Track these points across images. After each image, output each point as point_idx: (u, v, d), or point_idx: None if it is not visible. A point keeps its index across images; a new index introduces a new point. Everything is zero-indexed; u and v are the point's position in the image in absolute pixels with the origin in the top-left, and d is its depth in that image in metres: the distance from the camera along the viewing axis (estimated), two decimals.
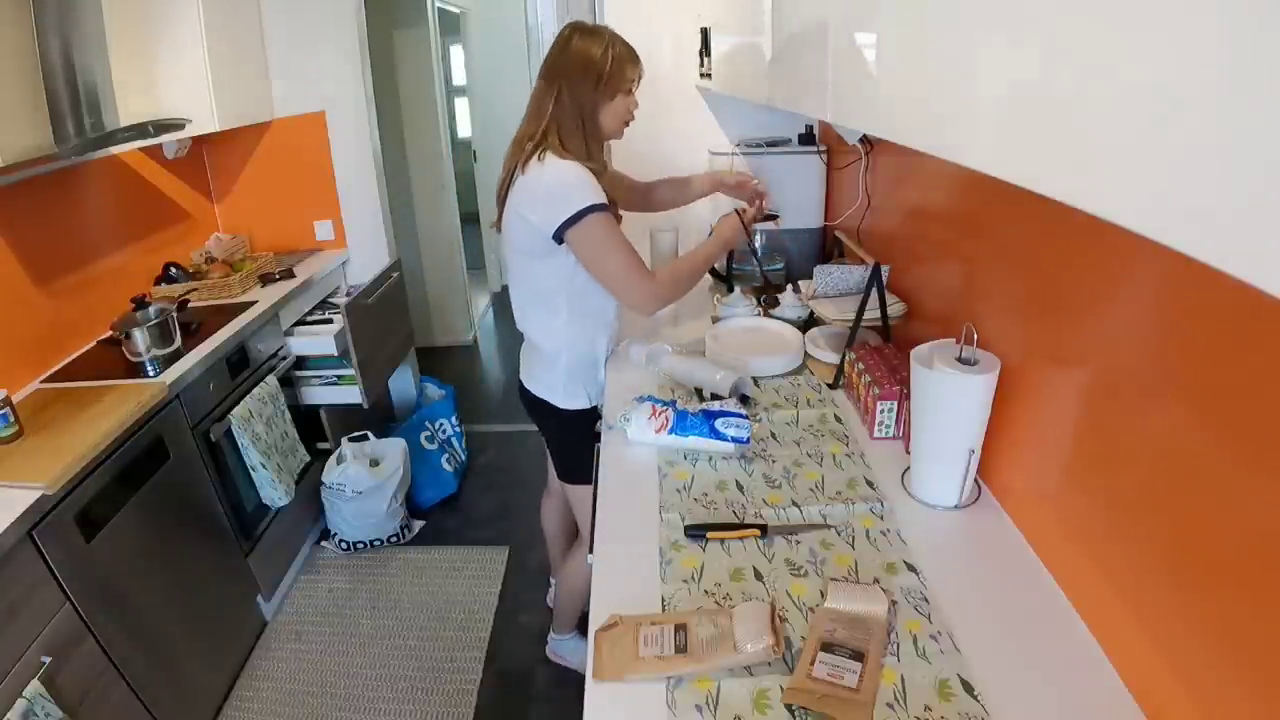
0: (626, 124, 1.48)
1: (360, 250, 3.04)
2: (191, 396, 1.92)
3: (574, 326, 1.53)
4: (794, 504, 1.16)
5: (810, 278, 1.67)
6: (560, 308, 1.51)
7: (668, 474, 1.27)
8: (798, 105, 1.11)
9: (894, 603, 0.94)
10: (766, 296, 1.85)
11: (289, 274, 2.62)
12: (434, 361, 3.99)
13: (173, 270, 2.44)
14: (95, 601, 1.49)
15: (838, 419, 1.41)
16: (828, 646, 0.87)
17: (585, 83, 1.38)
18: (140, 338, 1.91)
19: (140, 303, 2.05)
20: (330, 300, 2.81)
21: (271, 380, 2.26)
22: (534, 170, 1.36)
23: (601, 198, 1.36)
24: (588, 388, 1.59)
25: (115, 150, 2.23)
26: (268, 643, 2.16)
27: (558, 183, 1.35)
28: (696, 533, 1.10)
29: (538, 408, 1.62)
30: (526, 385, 1.63)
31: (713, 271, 2.07)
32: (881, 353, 1.43)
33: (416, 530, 2.62)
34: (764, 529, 1.09)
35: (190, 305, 2.23)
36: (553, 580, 2.13)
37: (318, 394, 2.55)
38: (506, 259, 1.54)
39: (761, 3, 1.30)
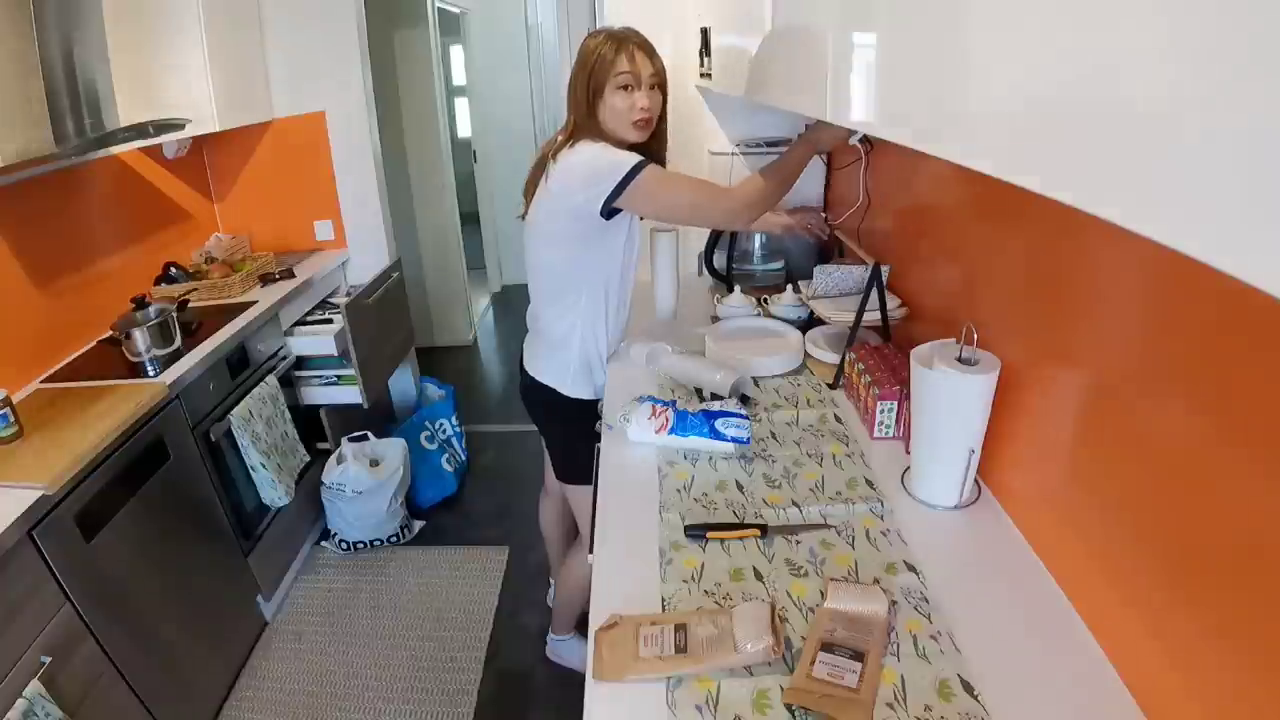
0: (635, 125, 1.42)
1: (360, 250, 3.04)
2: (191, 396, 1.92)
3: (590, 316, 1.55)
4: (794, 504, 1.16)
5: (810, 278, 1.67)
6: (581, 294, 1.53)
7: (668, 474, 1.27)
8: (797, 105, 1.11)
9: (894, 603, 0.94)
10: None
11: (289, 274, 2.62)
12: (434, 361, 3.99)
13: (173, 270, 2.44)
14: (95, 601, 1.49)
15: (838, 419, 1.41)
16: (828, 646, 0.87)
17: (579, 78, 1.42)
18: (140, 338, 1.91)
19: (140, 303, 2.05)
20: (330, 300, 2.81)
21: (271, 380, 2.26)
22: (564, 158, 1.40)
23: (638, 156, 1.38)
24: (595, 378, 1.60)
25: (115, 150, 2.23)
26: (268, 643, 2.16)
27: (593, 161, 1.38)
28: (696, 533, 1.10)
29: (541, 398, 1.62)
30: (532, 374, 1.63)
31: (712, 271, 2.07)
32: (881, 353, 1.43)
33: (416, 530, 2.62)
34: (764, 529, 1.09)
35: (190, 305, 2.23)
36: (552, 580, 2.13)
37: (318, 394, 2.55)
38: (529, 247, 1.55)
39: (761, 2, 1.30)
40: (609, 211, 1.40)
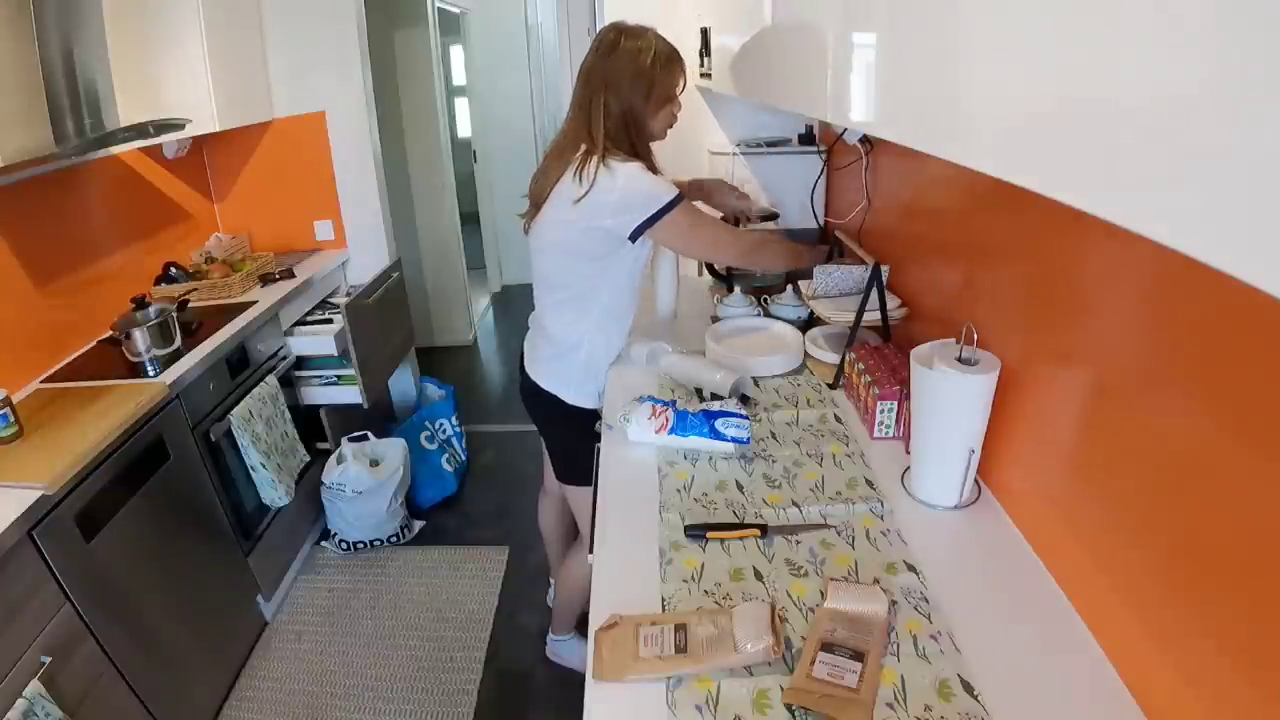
0: (670, 126, 1.50)
1: (360, 250, 3.04)
2: (191, 396, 1.92)
3: (601, 326, 1.55)
4: (794, 504, 1.16)
5: (810, 278, 1.67)
6: (593, 307, 1.53)
7: (668, 474, 1.27)
8: (797, 105, 1.11)
9: (894, 603, 0.94)
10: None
11: (289, 274, 2.62)
12: (434, 361, 3.99)
13: (173, 270, 2.44)
14: (95, 601, 1.49)
15: (838, 419, 1.41)
16: (828, 646, 0.87)
17: (635, 93, 1.39)
18: (140, 338, 1.91)
19: (140, 303, 2.05)
20: (330, 300, 2.81)
21: (271, 380, 2.26)
22: (604, 180, 1.36)
23: (675, 190, 1.40)
24: (597, 387, 1.60)
25: (115, 150, 2.22)
26: (268, 643, 2.16)
27: (632, 187, 1.37)
28: (696, 533, 1.10)
29: (542, 403, 1.62)
30: (534, 378, 1.62)
31: (712, 272, 2.07)
32: (881, 353, 1.43)
33: (416, 530, 2.62)
34: (764, 529, 1.09)
35: (190, 305, 2.23)
36: (552, 580, 2.13)
37: (318, 394, 2.55)
38: (540, 256, 1.54)
39: (761, 3, 1.30)
40: (635, 237, 1.41)
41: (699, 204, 1.72)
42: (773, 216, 2.08)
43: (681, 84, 1.46)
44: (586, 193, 1.37)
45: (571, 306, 1.54)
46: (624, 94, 1.39)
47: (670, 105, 1.46)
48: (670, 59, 1.42)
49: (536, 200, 1.49)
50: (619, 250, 1.45)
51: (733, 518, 1.14)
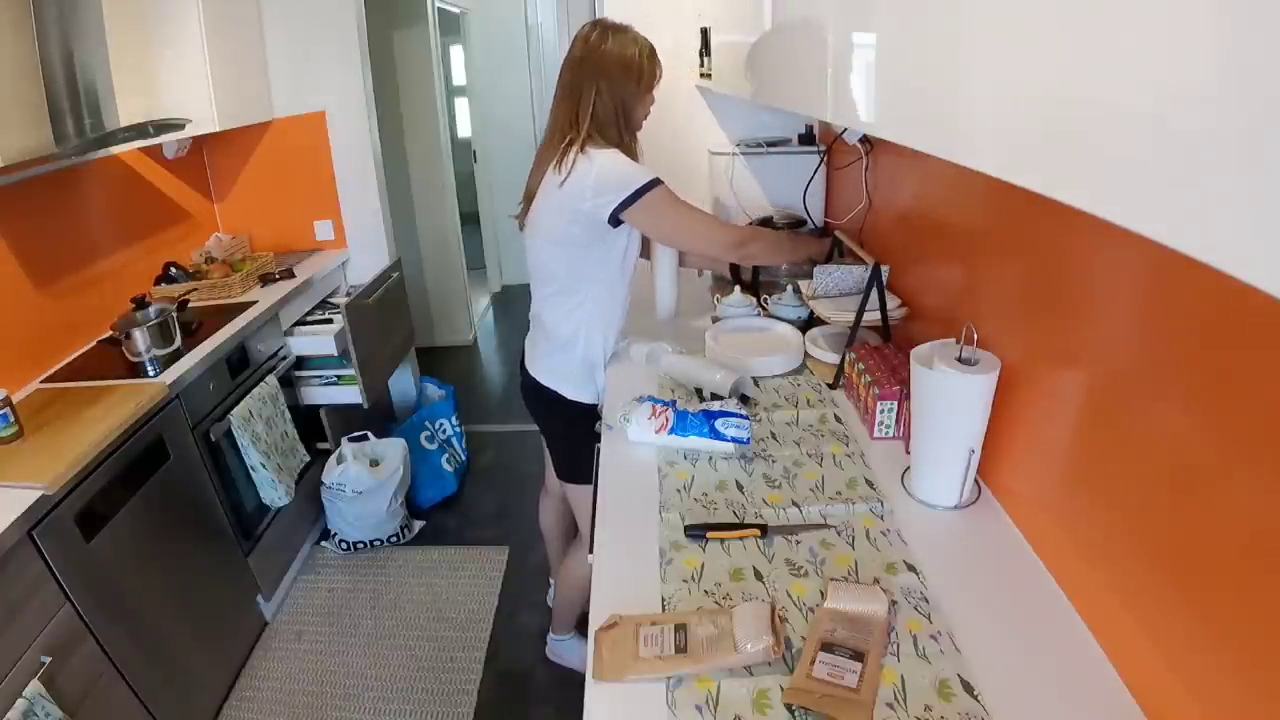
0: (647, 115, 1.54)
1: (360, 250, 3.04)
2: (191, 396, 1.92)
3: (594, 319, 1.56)
4: (794, 504, 1.16)
5: (810, 278, 1.67)
6: (584, 300, 1.54)
7: (668, 474, 1.27)
8: (797, 105, 1.11)
9: (894, 603, 0.94)
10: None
11: (289, 274, 2.62)
12: (434, 361, 3.99)
13: (173, 270, 2.44)
14: (95, 601, 1.49)
15: (838, 419, 1.41)
16: (828, 646, 0.87)
17: (627, 81, 1.44)
18: (140, 338, 1.91)
19: (140, 303, 2.05)
20: (330, 300, 2.81)
21: (271, 380, 2.26)
22: (581, 164, 1.40)
23: (653, 174, 1.42)
24: (597, 381, 1.61)
25: (115, 150, 2.23)
26: (268, 643, 2.16)
27: (608, 170, 1.40)
28: (696, 533, 1.10)
29: (544, 400, 1.63)
30: (535, 376, 1.63)
31: (736, 277, 2.06)
32: (881, 353, 1.43)
33: (416, 530, 2.62)
34: (764, 529, 1.09)
35: (190, 305, 2.23)
36: (552, 580, 2.13)
37: (318, 394, 2.55)
38: (532, 248, 1.57)
39: (761, 3, 1.30)
40: (615, 220, 1.42)
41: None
42: (799, 224, 2.08)
43: (659, 75, 1.51)
44: (566, 178, 1.40)
45: (563, 299, 1.55)
46: (616, 83, 1.43)
47: (650, 94, 1.51)
48: (652, 51, 1.48)
49: (530, 195, 1.53)
50: (604, 239, 1.47)
51: (733, 518, 1.14)
